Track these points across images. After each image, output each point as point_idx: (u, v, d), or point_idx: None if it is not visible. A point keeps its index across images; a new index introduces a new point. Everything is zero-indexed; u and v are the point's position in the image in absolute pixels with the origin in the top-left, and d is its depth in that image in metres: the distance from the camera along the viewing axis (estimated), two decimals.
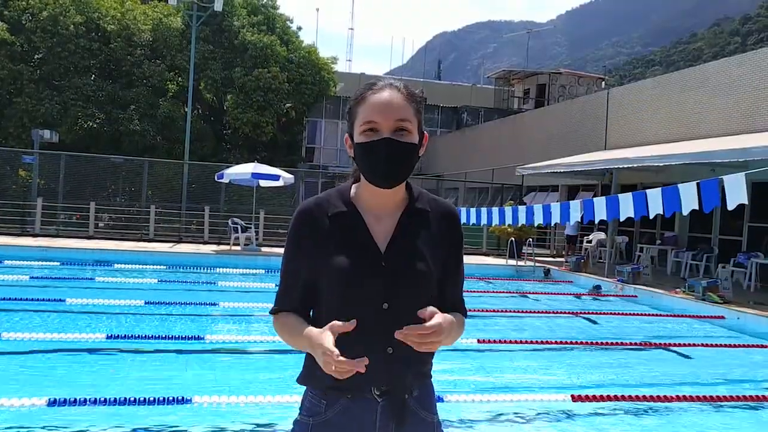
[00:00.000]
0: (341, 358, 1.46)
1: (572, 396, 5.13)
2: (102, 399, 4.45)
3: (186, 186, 21.43)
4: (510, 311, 9.69)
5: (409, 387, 1.68)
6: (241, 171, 16.07)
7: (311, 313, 1.73)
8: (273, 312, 1.75)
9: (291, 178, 16.99)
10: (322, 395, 1.68)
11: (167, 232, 18.32)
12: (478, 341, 6.94)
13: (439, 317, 1.52)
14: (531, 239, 16.55)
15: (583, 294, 12.37)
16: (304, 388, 1.74)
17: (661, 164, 13.73)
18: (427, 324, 1.50)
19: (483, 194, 26.99)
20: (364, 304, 1.61)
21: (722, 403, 5.45)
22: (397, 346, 1.62)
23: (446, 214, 1.76)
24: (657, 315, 10.31)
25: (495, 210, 14.18)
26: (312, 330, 1.59)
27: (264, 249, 16.20)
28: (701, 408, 5.35)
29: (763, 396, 5.73)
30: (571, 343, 7.87)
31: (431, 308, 1.54)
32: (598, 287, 12.75)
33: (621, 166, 14.74)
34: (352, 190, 1.74)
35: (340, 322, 1.52)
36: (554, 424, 4.95)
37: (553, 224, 14.57)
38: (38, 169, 20.11)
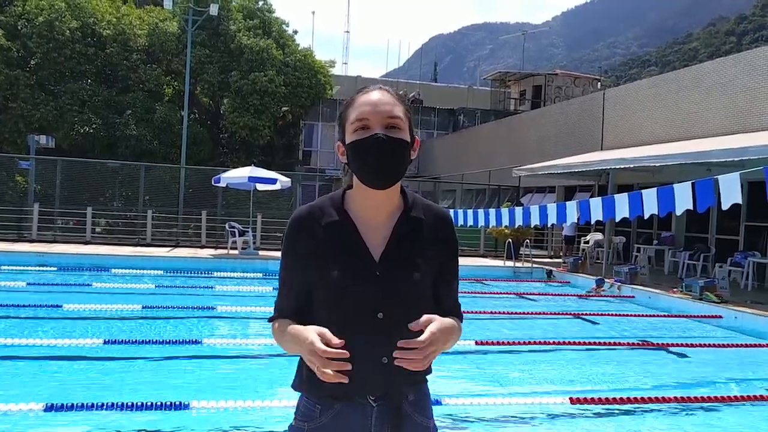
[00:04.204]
0: (328, 351, 1.46)
1: (570, 398, 5.13)
2: (99, 404, 4.45)
3: (183, 190, 21.42)
4: (508, 313, 9.69)
5: (404, 394, 1.68)
6: (237, 175, 16.06)
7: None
8: (271, 320, 1.74)
9: (288, 181, 16.96)
10: (316, 400, 1.67)
11: (164, 236, 18.29)
12: (476, 343, 6.94)
13: (432, 326, 1.50)
14: (528, 240, 16.57)
15: (583, 294, 12.38)
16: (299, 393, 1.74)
17: (657, 164, 13.75)
18: (420, 339, 1.48)
19: (480, 196, 27.00)
20: (359, 314, 1.60)
21: (721, 404, 5.45)
22: (392, 357, 1.62)
23: (440, 221, 1.75)
24: (654, 315, 10.32)
25: (492, 211, 14.19)
26: (296, 327, 1.59)
27: (262, 253, 16.19)
28: (700, 408, 5.35)
29: (762, 396, 5.74)
30: (570, 344, 7.87)
31: (424, 318, 1.52)
32: (600, 281, 12.78)
33: (617, 167, 14.76)
34: (345, 198, 1.73)
35: (335, 339, 1.49)
36: (553, 426, 4.95)
37: (549, 225, 14.59)
38: (35, 175, 20.07)
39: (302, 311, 1.69)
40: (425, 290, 1.68)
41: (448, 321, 1.59)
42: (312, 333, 1.50)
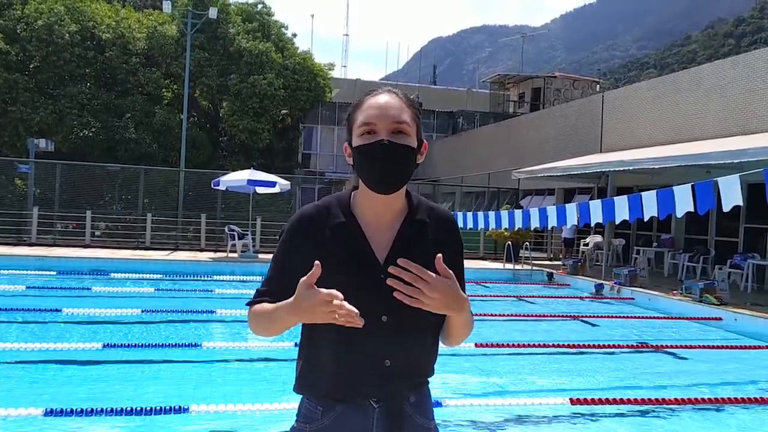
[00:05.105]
0: (343, 302, 1.43)
1: (571, 399, 5.13)
2: (99, 409, 4.44)
3: (182, 193, 21.42)
4: (508, 315, 9.69)
5: (405, 395, 1.67)
6: (236, 178, 16.07)
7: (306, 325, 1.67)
8: (250, 303, 1.69)
9: (287, 184, 16.96)
10: (317, 402, 1.67)
11: (164, 240, 18.28)
12: (476, 345, 6.94)
13: (450, 280, 1.48)
14: (528, 243, 16.56)
15: (583, 297, 12.38)
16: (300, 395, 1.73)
17: (657, 166, 13.77)
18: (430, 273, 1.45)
19: (479, 198, 27.01)
20: (363, 316, 1.59)
21: (720, 405, 5.45)
22: (394, 359, 1.62)
23: (445, 222, 1.75)
24: (654, 317, 10.32)
25: (491, 214, 14.19)
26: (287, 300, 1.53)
27: (261, 256, 16.18)
28: (699, 410, 5.35)
29: (762, 397, 5.74)
30: (569, 346, 7.87)
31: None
32: (600, 285, 12.78)
33: (617, 169, 14.77)
34: (352, 199, 1.72)
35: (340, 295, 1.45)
36: (553, 427, 4.94)
37: (549, 228, 14.59)
38: (34, 178, 20.09)
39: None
40: None
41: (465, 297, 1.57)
42: (317, 290, 1.45)
